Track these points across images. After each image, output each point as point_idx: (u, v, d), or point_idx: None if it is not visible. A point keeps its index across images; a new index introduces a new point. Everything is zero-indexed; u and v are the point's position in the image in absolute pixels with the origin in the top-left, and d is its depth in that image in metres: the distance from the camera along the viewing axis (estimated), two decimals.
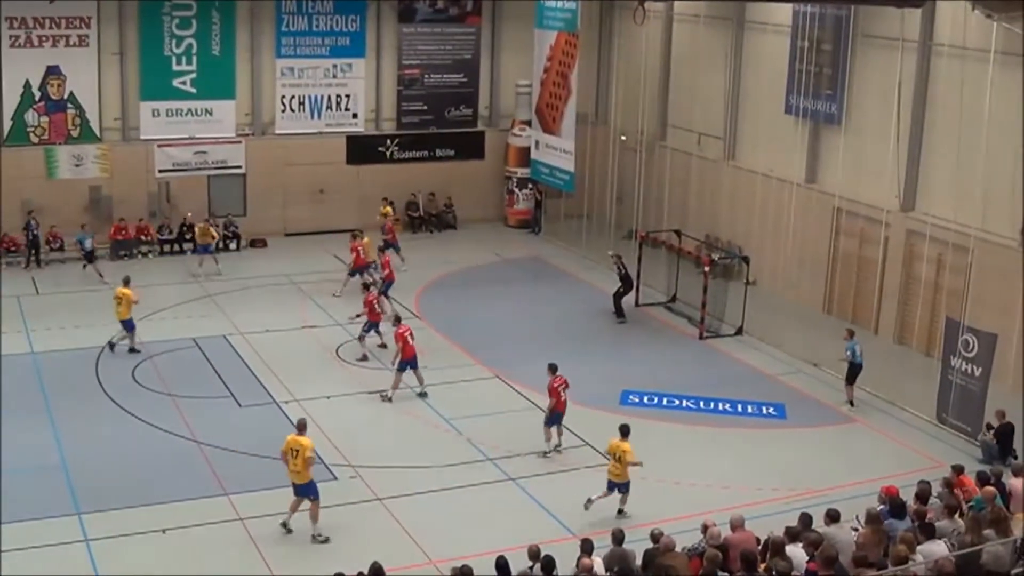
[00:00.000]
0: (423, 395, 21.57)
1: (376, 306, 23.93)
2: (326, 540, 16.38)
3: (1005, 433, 19.30)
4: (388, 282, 26.73)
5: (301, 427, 16.73)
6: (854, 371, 21.81)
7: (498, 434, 20.23)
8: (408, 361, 21.46)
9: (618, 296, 26.93)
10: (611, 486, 17.24)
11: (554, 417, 19.45)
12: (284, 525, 16.63)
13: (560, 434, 19.63)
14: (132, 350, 23.59)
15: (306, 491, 16.48)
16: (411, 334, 21.56)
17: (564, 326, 26.42)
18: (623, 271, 26.91)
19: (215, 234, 30.28)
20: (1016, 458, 18.82)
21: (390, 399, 21.45)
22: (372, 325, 23.86)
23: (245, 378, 22.62)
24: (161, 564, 15.74)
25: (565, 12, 31.44)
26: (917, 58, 24.46)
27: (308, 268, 30.29)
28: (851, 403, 21.82)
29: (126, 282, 23.87)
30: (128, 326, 23.59)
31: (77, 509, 17.08)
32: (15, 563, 15.47)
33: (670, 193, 30.55)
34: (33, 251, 29.99)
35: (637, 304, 27.76)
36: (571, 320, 26.90)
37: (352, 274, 27.95)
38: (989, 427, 19.55)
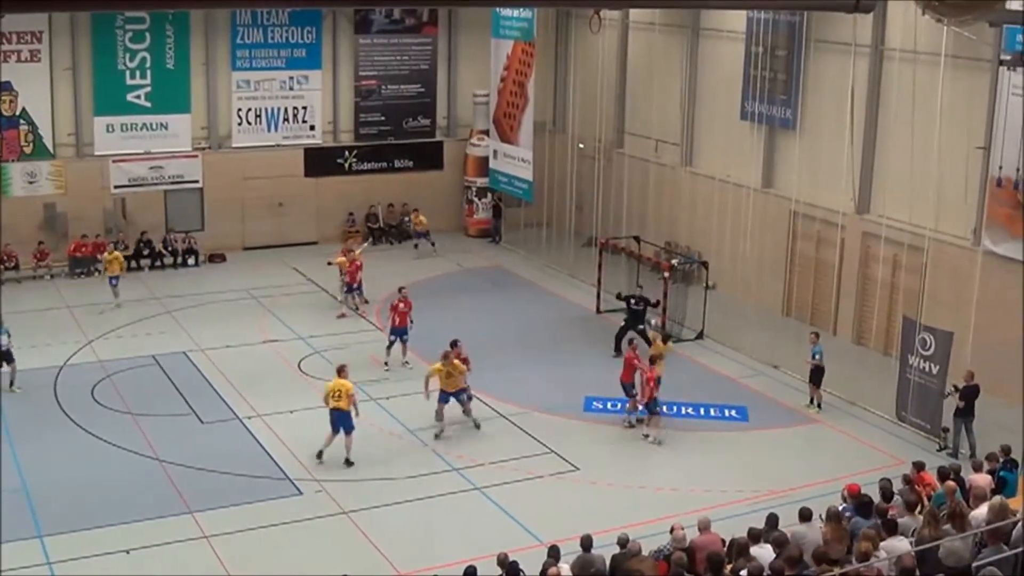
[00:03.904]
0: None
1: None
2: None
3: (970, 394, 19.63)
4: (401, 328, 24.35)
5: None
6: (819, 373, 22.07)
7: (463, 444, 20.24)
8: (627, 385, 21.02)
9: (633, 329, 24.72)
10: None
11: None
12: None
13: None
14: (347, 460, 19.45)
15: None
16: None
17: (526, 334, 26.47)
18: (640, 304, 25.03)
19: (123, 262, 28.57)
20: (973, 415, 19.57)
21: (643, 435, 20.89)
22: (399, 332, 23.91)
23: (207, 394, 22.44)
24: None
25: (521, 21, 31.57)
26: (869, 62, 24.81)
27: (268, 282, 30.13)
28: (819, 405, 22.02)
29: (340, 371, 19.60)
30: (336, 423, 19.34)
31: (39, 532, 16.84)
32: None
33: (629, 200, 30.72)
34: None
35: (599, 311, 27.86)
36: (533, 328, 26.96)
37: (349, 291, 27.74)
38: (956, 388, 19.80)
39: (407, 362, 23.56)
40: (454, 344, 20.92)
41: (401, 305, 24.14)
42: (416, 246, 33.30)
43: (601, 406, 22.01)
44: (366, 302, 27.88)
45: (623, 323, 24.98)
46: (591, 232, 31.58)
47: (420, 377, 21.08)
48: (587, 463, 19.53)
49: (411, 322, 24.02)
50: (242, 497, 18.11)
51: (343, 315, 27.37)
